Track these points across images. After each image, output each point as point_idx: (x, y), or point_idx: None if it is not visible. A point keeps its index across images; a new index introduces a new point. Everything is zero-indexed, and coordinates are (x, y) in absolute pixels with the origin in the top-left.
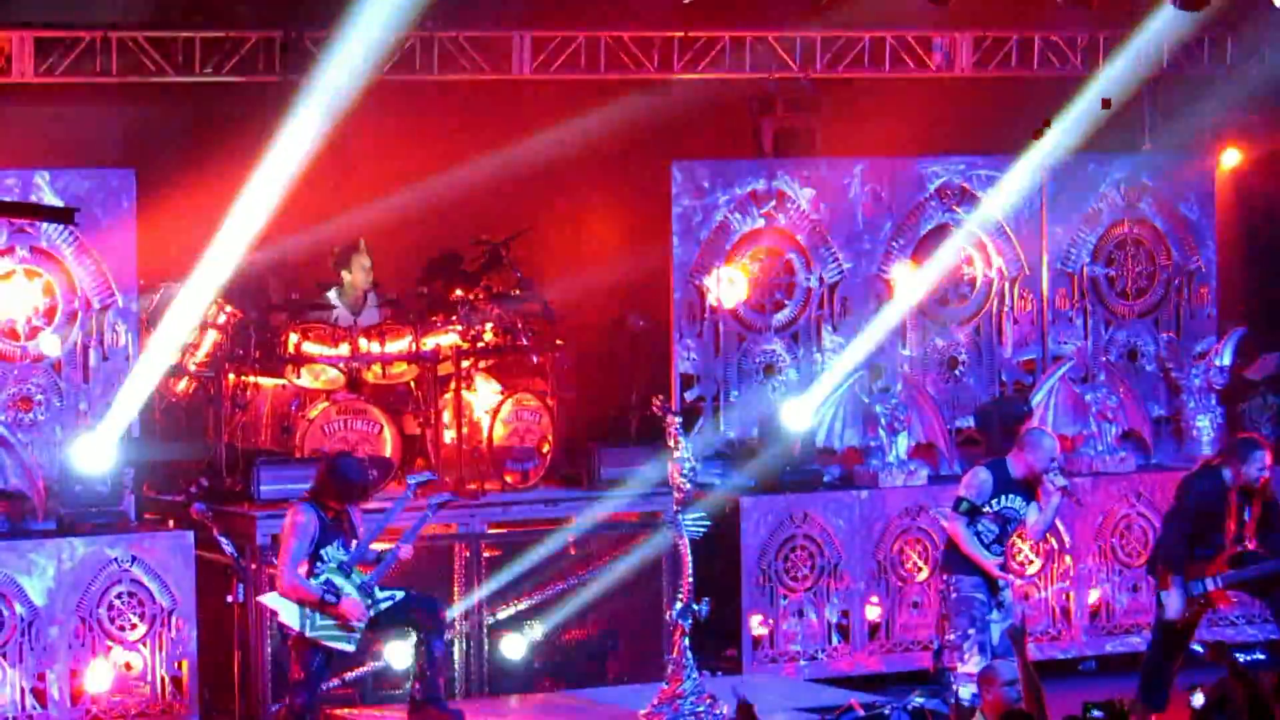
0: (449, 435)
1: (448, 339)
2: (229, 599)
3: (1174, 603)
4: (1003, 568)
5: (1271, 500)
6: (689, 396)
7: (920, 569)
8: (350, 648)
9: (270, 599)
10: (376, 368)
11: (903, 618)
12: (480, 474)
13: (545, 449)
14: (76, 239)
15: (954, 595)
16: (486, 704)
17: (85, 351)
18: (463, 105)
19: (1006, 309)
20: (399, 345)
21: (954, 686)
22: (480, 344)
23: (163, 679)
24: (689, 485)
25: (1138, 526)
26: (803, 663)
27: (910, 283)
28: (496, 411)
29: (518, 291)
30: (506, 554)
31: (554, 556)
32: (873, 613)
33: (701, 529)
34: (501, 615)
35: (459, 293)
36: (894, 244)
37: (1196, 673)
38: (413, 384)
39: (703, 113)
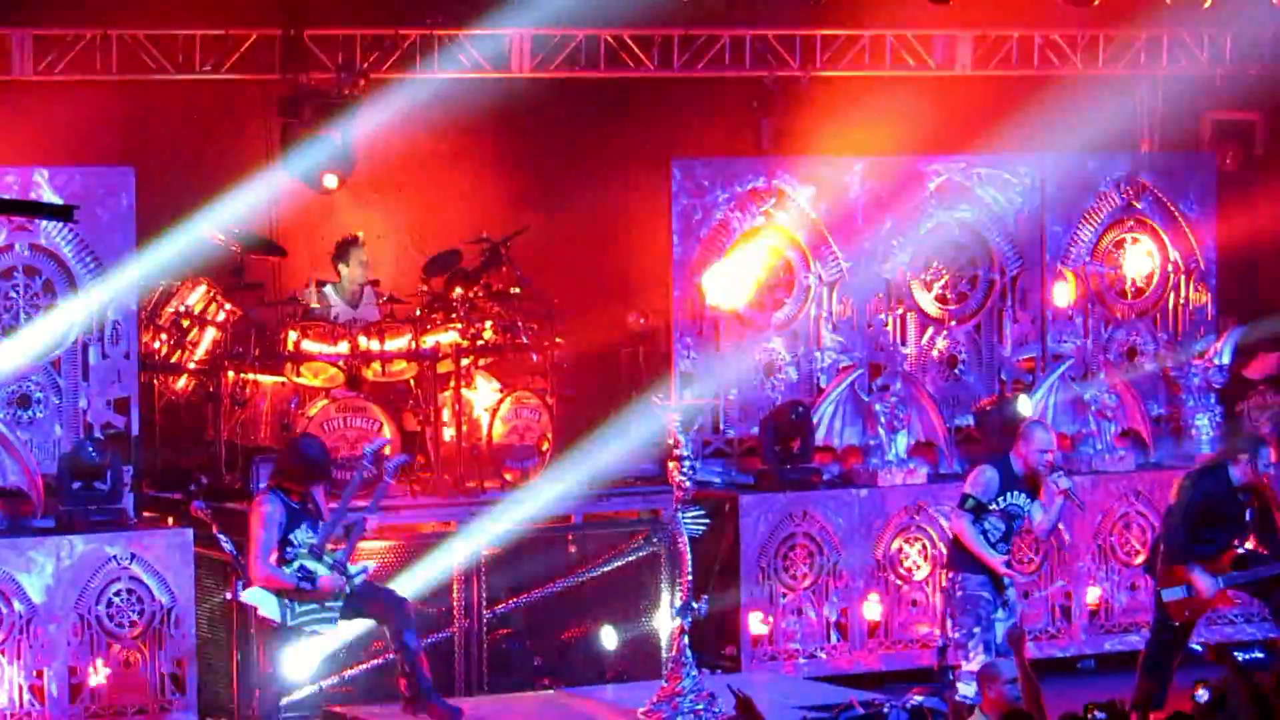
0: (448, 433)
1: (447, 337)
2: (228, 596)
3: (1205, 582)
4: (1008, 565)
5: (1272, 499)
6: (688, 395)
7: (919, 567)
8: (333, 628)
9: (249, 595)
10: (376, 365)
11: (902, 616)
12: (479, 472)
13: (544, 447)
14: (76, 236)
15: (959, 593)
16: (486, 702)
17: (85, 349)
18: (463, 102)
19: (1006, 307)
20: (398, 343)
21: (957, 684)
22: (480, 342)
23: (161, 676)
24: (688, 483)
25: (1136, 525)
26: (802, 661)
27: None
28: (496, 409)
29: (517, 289)
30: (506, 552)
31: (553, 554)
32: (872, 611)
33: (701, 527)
34: (501, 612)
35: (459, 291)
36: (894, 242)
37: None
38: (412, 382)
39: (702, 111)
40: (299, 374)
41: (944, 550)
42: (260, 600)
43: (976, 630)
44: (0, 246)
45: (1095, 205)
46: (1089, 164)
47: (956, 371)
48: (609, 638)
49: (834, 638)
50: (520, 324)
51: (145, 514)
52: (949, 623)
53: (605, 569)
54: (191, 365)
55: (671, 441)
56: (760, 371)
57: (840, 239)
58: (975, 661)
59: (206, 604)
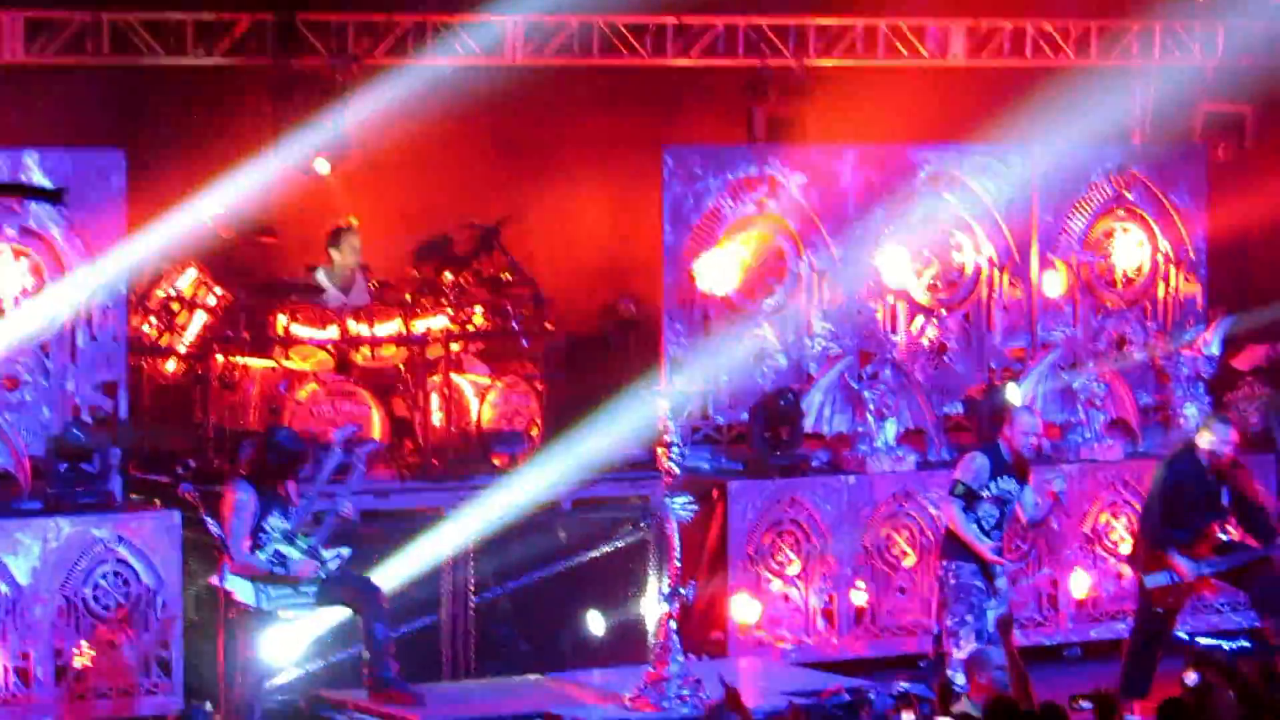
0: (437, 418)
1: (437, 322)
2: (214, 580)
3: (1185, 565)
4: (1000, 552)
5: (1249, 485)
6: (678, 381)
7: (907, 554)
8: (309, 613)
9: (225, 581)
10: (365, 350)
11: (889, 603)
12: (468, 457)
13: (534, 433)
14: (65, 219)
15: (953, 582)
16: (473, 686)
17: (73, 331)
18: (456, 89)
19: (995, 297)
20: (388, 328)
21: (951, 672)
22: (470, 327)
23: (147, 659)
24: (677, 469)
25: (1124, 514)
26: (789, 647)
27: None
28: (485, 395)
29: (508, 275)
30: (494, 537)
31: (542, 539)
32: (859, 598)
33: (689, 513)
34: (489, 598)
35: (449, 276)
36: (885, 231)
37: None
38: (401, 366)
39: (695, 99)
40: (288, 358)
41: (932, 538)
42: (236, 585)
43: (969, 619)
44: None
45: (1086, 195)
46: (1080, 155)
47: (946, 359)
48: (596, 623)
49: (821, 624)
50: (510, 310)
51: (133, 497)
52: (943, 611)
53: (593, 554)
54: (180, 349)
55: (661, 428)
56: (750, 358)
57: (831, 227)
58: (966, 650)
59: (193, 587)
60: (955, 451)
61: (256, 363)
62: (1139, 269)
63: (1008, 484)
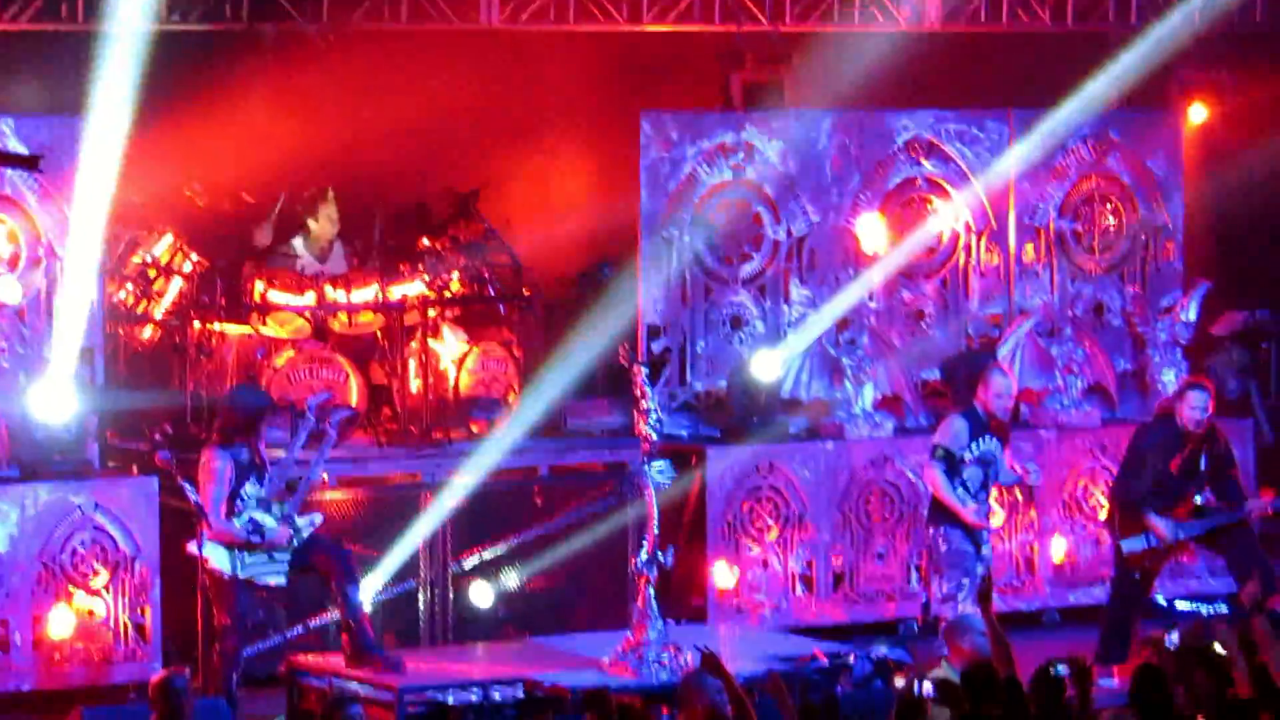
0: (415, 384)
1: (414, 288)
2: (191, 546)
3: (1163, 527)
4: (985, 515)
5: (1225, 450)
6: (655, 347)
7: (885, 520)
8: (281, 580)
9: (202, 548)
10: (343, 316)
11: (867, 568)
12: (446, 423)
13: (511, 398)
14: (41, 186)
15: (944, 548)
16: (451, 651)
17: (49, 298)
18: (431, 55)
19: (973, 263)
20: (365, 294)
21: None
22: (447, 294)
23: (125, 625)
24: (654, 435)
25: (1102, 480)
26: (767, 612)
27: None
28: (462, 361)
29: (485, 242)
30: (472, 502)
31: (519, 506)
32: (837, 563)
33: (667, 479)
34: (466, 564)
35: (426, 242)
36: (861, 196)
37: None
38: (379, 333)
39: (672, 65)
40: (265, 324)
41: (910, 503)
42: (212, 552)
43: (965, 582)
44: None
45: (1064, 161)
46: (1058, 121)
47: (923, 325)
48: (573, 588)
49: (800, 590)
50: (487, 276)
51: (110, 464)
52: (934, 578)
53: (571, 520)
54: (157, 315)
55: (638, 394)
56: (728, 324)
57: (809, 193)
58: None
59: (170, 554)
60: (933, 417)
61: (234, 329)
62: (1116, 235)
63: (989, 444)
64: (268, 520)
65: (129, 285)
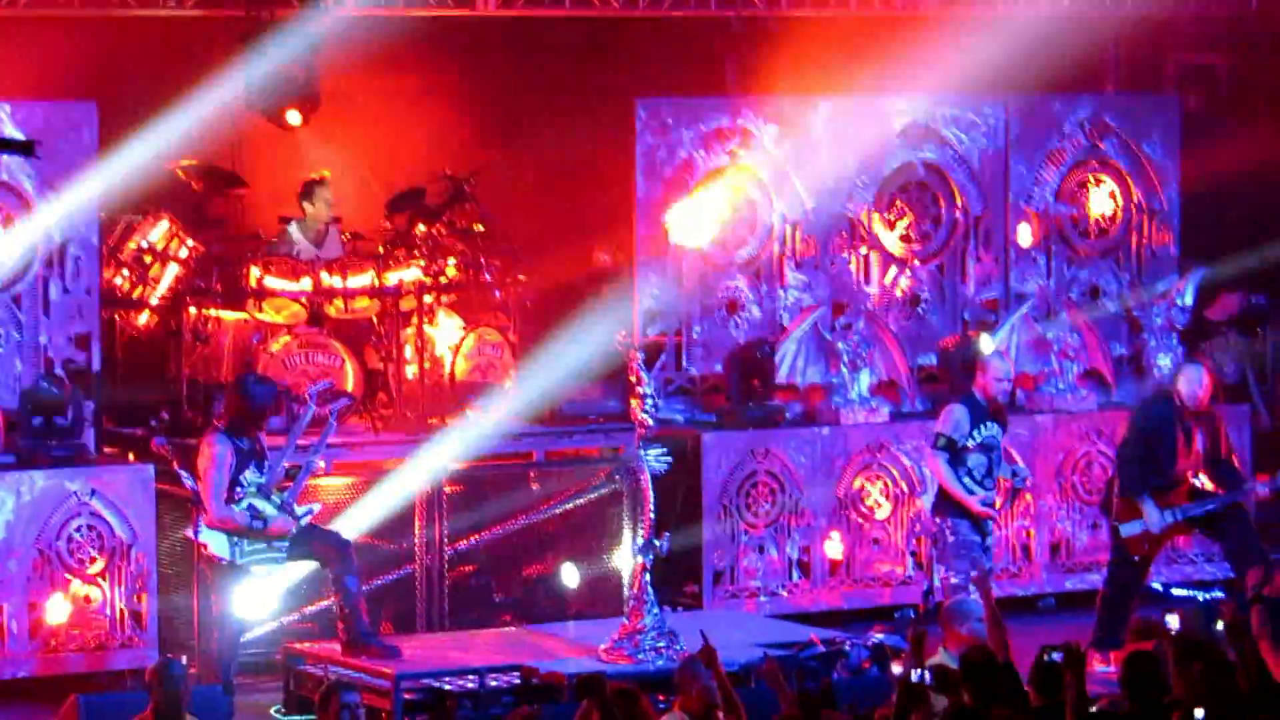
0: (411, 370)
1: (410, 274)
2: (188, 533)
3: (1153, 515)
4: (991, 503)
5: (1220, 431)
6: (651, 333)
7: (881, 505)
8: (280, 567)
9: (200, 534)
10: (338, 302)
11: (863, 554)
12: (442, 409)
13: (507, 384)
14: (38, 171)
15: (951, 539)
16: (448, 638)
17: (46, 284)
18: (427, 40)
19: (969, 247)
20: (361, 280)
21: None
22: (443, 279)
23: (122, 612)
24: (651, 421)
25: (1098, 464)
26: (763, 599)
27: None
28: (459, 347)
29: (481, 227)
30: (468, 489)
31: (516, 491)
32: (833, 549)
33: (664, 465)
34: (462, 549)
35: (422, 228)
36: (857, 181)
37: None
38: (375, 318)
39: (667, 50)
40: (261, 310)
41: (905, 489)
42: (210, 538)
43: (974, 574)
44: None
45: (1059, 146)
46: (1053, 105)
47: (919, 311)
48: (570, 575)
49: (795, 576)
50: (483, 261)
51: (106, 450)
52: (941, 568)
53: (567, 506)
54: (153, 301)
55: (634, 379)
56: (723, 309)
57: (804, 178)
58: None
59: (167, 540)
60: (929, 403)
61: (229, 315)
62: (1112, 219)
63: (991, 429)
64: (267, 508)
65: (125, 271)
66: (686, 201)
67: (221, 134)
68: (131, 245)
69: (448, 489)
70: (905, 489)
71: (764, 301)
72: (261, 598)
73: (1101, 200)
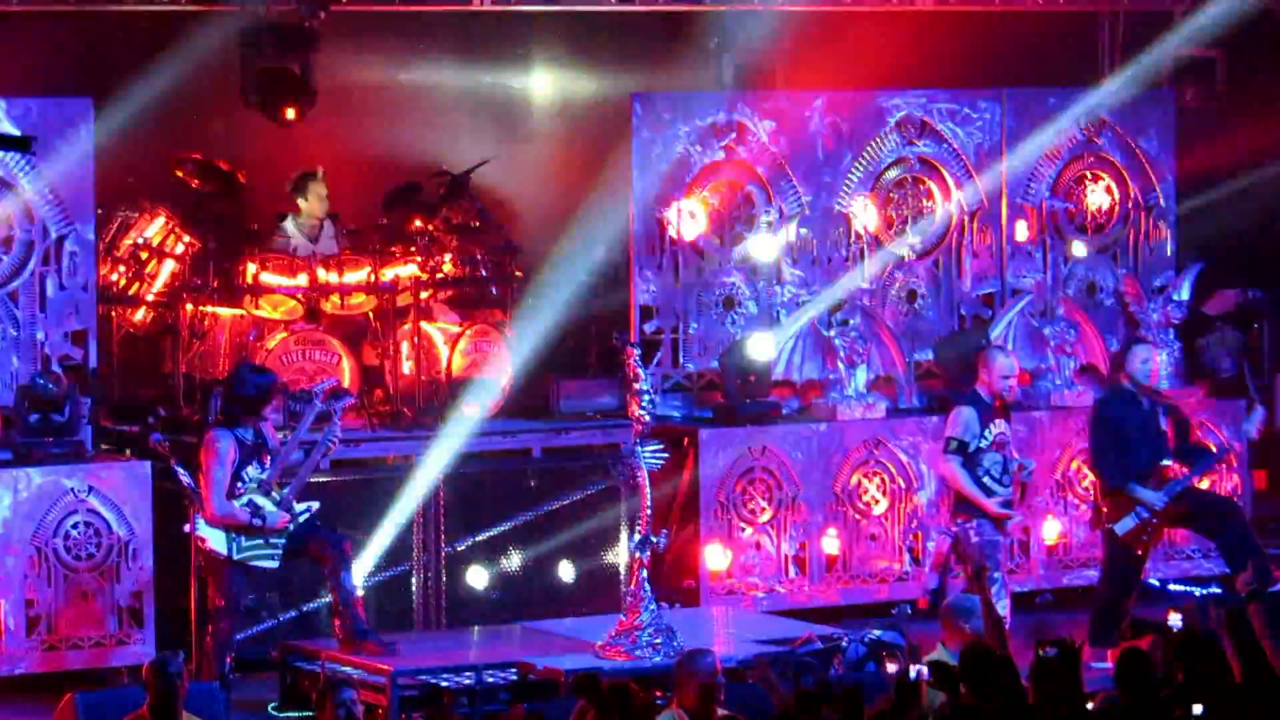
0: (407, 366)
1: (407, 270)
2: (185, 529)
3: (1149, 495)
4: (1009, 504)
5: (1184, 420)
6: (648, 329)
7: (878, 501)
8: (274, 565)
9: (198, 530)
10: (335, 298)
11: (860, 550)
12: (439, 405)
13: (504, 380)
14: (34, 167)
15: (975, 539)
16: (445, 635)
17: (42, 280)
18: (423, 35)
19: (966, 243)
20: (357, 276)
21: None
22: (439, 275)
23: (119, 609)
24: (648, 417)
25: None
26: (760, 595)
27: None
28: (455, 343)
29: (477, 223)
30: (465, 485)
31: (512, 488)
32: (830, 545)
33: (660, 461)
34: (460, 547)
35: (418, 224)
36: (853, 177)
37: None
38: (371, 315)
39: (663, 45)
40: (257, 306)
41: (902, 485)
42: (209, 533)
43: (998, 575)
44: None
45: (1056, 141)
46: (1049, 99)
47: (916, 306)
48: (567, 571)
49: (792, 572)
50: (480, 257)
51: (103, 446)
52: (961, 569)
53: (564, 502)
54: (150, 297)
55: (630, 375)
56: (720, 305)
57: (800, 173)
58: (1000, 605)
59: (164, 537)
60: (926, 399)
61: (226, 311)
62: (1109, 214)
63: (1000, 426)
64: (267, 505)
65: (121, 267)
66: (683, 197)
67: (218, 129)
68: (128, 241)
69: (444, 485)
70: (902, 485)
71: (760, 297)
72: (259, 594)
73: (1098, 195)
